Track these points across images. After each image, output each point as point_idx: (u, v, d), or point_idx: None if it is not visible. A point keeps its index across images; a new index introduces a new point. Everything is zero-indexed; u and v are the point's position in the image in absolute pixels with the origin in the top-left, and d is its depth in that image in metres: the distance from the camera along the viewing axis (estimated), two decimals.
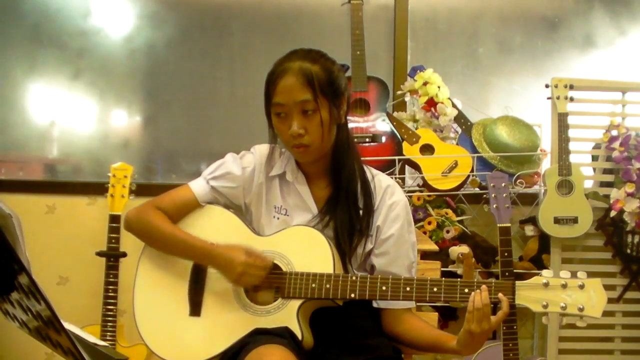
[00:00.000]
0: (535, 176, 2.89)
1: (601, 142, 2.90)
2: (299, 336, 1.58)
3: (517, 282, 1.54)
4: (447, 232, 2.76)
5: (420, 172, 2.78)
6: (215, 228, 1.75)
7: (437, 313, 1.91)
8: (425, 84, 2.84)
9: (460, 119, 2.90)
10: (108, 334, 2.67)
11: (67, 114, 3.17)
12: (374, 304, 1.72)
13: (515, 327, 2.47)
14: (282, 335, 1.55)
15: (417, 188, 2.86)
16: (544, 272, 1.54)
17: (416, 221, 2.72)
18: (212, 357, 1.64)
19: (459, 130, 2.93)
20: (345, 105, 1.71)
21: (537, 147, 2.87)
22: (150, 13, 3.22)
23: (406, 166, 2.89)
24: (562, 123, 2.78)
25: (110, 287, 2.69)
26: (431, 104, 2.84)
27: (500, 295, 1.52)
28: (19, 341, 2.83)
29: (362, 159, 1.78)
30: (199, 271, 1.73)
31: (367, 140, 2.77)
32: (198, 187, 1.77)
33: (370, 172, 1.77)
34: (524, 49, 3.29)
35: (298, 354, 1.51)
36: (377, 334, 1.72)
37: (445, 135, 2.89)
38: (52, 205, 3.01)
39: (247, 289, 1.68)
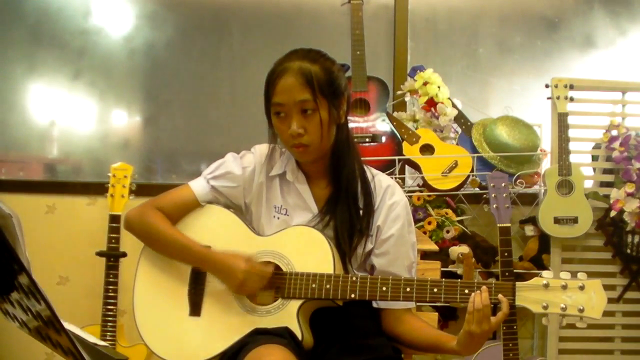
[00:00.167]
0: (535, 176, 2.89)
1: (601, 142, 2.90)
2: (299, 336, 1.58)
3: (517, 283, 1.54)
4: (447, 232, 2.76)
5: (420, 172, 2.78)
6: (215, 228, 1.75)
7: (437, 313, 1.91)
8: (425, 84, 2.84)
9: (460, 119, 2.90)
10: (108, 334, 2.67)
11: (67, 114, 3.17)
12: (374, 304, 1.72)
13: (515, 327, 2.47)
14: (282, 336, 1.55)
15: (417, 188, 2.86)
16: (544, 273, 1.54)
17: (416, 221, 2.72)
18: (212, 357, 1.64)
19: (459, 130, 2.93)
20: (345, 105, 1.71)
21: (537, 147, 2.87)
22: (150, 13, 3.22)
23: (406, 166, 2.89)
24: (562, 123, 2.78)
25: (110, 287, 2.69)
26: (431, 104, 2.84)
27: (500, 296, 1.52)
28: (19, 341, 2.83)
29: (362, 159, 1.78)
30: (199, 271, 1.72)
31: (367, 140, 2.77)
32: (198, 186, 1.77)
33: (371, 172, 1.77)
34: (524, 49, 3.29)
35: (298, 354, 1.51)
36: (377, 334, 1.72)
37: (445, 135, 2.89)
38: (52, 205, 3.01)
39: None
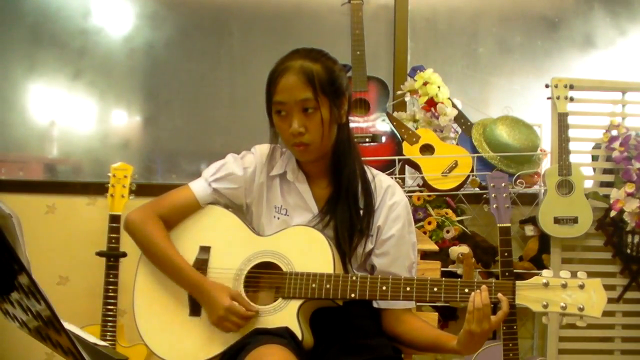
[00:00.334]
0: (535, 176, 2.89)
1: (601, 142, 2.90)
2: (299, 336, 1.58)
3: (517, 282, 1.54)
4: (447, 232, 2.76)
5: (420, 172, 2.78)
6: (215, 228, 1.75)
7: (437, 313, 1.91)
8: (425, 84, 2.84)
9: (460, 119, 2.90)
10: (108, 334, 2.67)
11: (67, 114, 3.17)
12: (374, 304, 1.72)
13: (515, 327, 2.47)
14: (282, 335, 1.55)
15: (417, 188, 2.86)
16: (544, 272, 1.54)
17: (416, 221, 2.72)
18: (212, 357, 1.64)
19: (459, 130, 2.93)
20: (346, 104, 1.71)
21: (537, 147, 2.87)
22: (150, 13, 3.22)
23: (406, 166, 2.89)
24: (562, 123, 2.78)
25: (110, 287, 2.69)
26: (431, 104, 2.84)
27: (500, 295, 1.52)
28: (19, 341, 2.84)
29: (363, 159, 1.78)
30: (199, 271, 1.72)
31: (367, 140, 2.77)
32: (199, 188, 1.77)
33: (371, 172, 1.77)
34: (524, 49, 3.29)
35: (298, 354, 1.51)
36: (377, 334, 1.72)
37: (445, 135, 2.89)
38: (52, 205, 3.01)
39: (247, 289, 1.68)
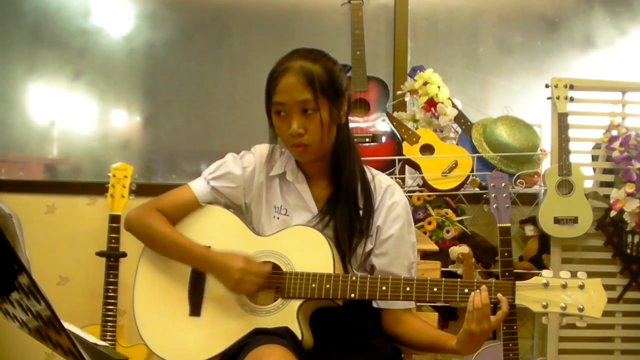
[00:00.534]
0: (535, 176, 2.89)
1: (601, 142, 2.90)
2: (299, 336, 1.58)
3: (517, 282, 1.54)
4: (447, 232, 2.76)
5: (420, 172, 2.78)
6: (215, 228, 1.75)
7: (437, 313, 1.91)
8: (425, 84, 2.84)
9: (460, 119, 2.90)
10: (108, 334, 2.67)
11: (67, 114, 3.17)
12: (374, 304, 1.72)
13: (515, 327, 2.47)
14: (282, 336, 1.55)
15: (417, 188, 2.86)
16: (544, 272, 1.54)
17: (416, 221, 2.72)
18: (212, 357, 1.64)
19: (459, 130, 2.93)
20: (345, 105, 1.71)
21: (537, 147, 2.87)
22: (150, 13, 3.22)
23: (406, 166, 2.89)
24: (562, 123, 2.78)
25: (110, 287, 2.69)
26: (431, 104, 2.84)
27: (499, 295, 1.52)
28: (19, 341, 2.83)
29: (362, 159, 1.78)
30: (199, 271, 1.72)
31: (367, 140, 2.77)
32: (198, 187, 1.77)
33: (371, 172, 1.77)
34: (524, 49, 3.29)
35: (298, 354, 1.51)
36: (377, 334, 1.72)
37: (445, 135, 2.89)
38: (52, 205, 3.01)
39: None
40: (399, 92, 3.01)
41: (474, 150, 2.85)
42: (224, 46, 3.24)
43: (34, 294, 1.04)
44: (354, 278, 1.61)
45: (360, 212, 1.71)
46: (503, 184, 2.43)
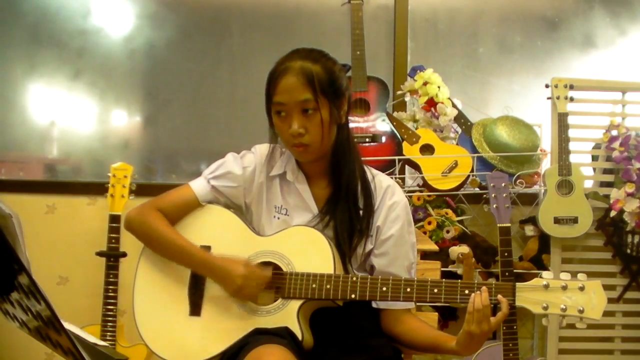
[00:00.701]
0: (535, 176, 2.89)
1: (601, 142, 2.90)
2: (299, 336, 1.58)
3: (517, 284, 1.54)
4: (447, 232, 2.76)
5: (420, 172, 2.78)
6: (215, 228, 1.75)
7: (437, 313, 1.91)
8: (425, 84, 2.84)
9: (460, 119, 2.90)
10: (108, 334, 2.67)
11: (67, 114, 3.17)
12: (373, 305, 1.72)
13: (515, 327, 2.47)
14: (282, 336, 1.55)
15: (417, 188, 2.86)
16: (544, 273, 1.54)
17: (416, 221, 2.72)
18: (212, 357, 1.64)
19: (459, 130, 2.93)
20: (346, 105, 1.71)
21: (537, 147, 2.86)
22: (150, 13, 3.22)
23: (406, 166, 2.89)
24: (562, 123, 2.78)
25: (110, 287, 2.69)
26: (431, 104, 2.84)
27: (499, 296, 1.53)
28: (19, 341, 2.83)
29: (362, 159, 1.78)
30: None
31: (367, 140, 2.77)
32: (198, 186, 1.77)
33: (371, 172, 1.77)
34: (524, 49, 3.29)
35: (298, 354, 1.51)
36: (377, 334, 1.72)
37: (445, 135, 2.89)
38: (52, 205, 3.01)
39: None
40: (399, 92, 3.01)
41: (474, 150, 2.85)
42: (224, 46, 3.24)
43: (34, 294, 1.04)
44: (354, 279, 1.61)
45: (361, 212, 1.71)
46: (503, 184, 2.42)
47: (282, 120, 1.66)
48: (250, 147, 1.82)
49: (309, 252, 1.65)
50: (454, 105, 2.86)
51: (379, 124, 2.82)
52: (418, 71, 2.88)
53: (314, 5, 3.24)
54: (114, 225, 2.72)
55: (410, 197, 2.77)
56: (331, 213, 1.70)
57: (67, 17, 3.17)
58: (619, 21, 3.31)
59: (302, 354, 1.54)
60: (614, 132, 2.87)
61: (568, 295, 1.51)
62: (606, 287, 1.53)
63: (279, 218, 1.74)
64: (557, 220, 2.75)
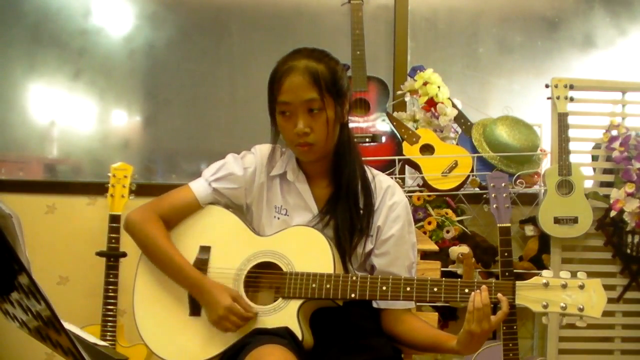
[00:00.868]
0: (535, 176, 2.89)
1: (601, 142, 2.90)
2: (299, 336, 1.58)
3: (517, 282, 1.54)
4: (447, 232, 2.76)
5: (420, 172, 2.78)
6: (215, 228, 1.75)
7: (437, 313, 1.91)
8: (425, 84, 2.84)
9: (460, 119, 2.90)
10: (108, 334, 2.67)
11: (67, 114, 3.17)
12: (374, 304, 1.72)
13: (515, 327, 2.47)
14: (282, 335, 1.55)
15: (417, 188, 2.86)
16: (544, 272, 1.54)
17: (416, 221, 2.72)
18: (212, 357, 1.64)
19: (459, 130, 2.93)
20: (347, 104, 1.72)
21: (537, 147, 2.87)
22: (150, 13, 3.22)
23: (406, 166, 2.89)
24: (562, 123, 2.78)
25: (110, 287, 2.69)
26: (431, 104, 2.84)
27: (499, 295, 1.52)
28: (19, 341, 2.83)
29: (363, 159, 1.78)
30: (199, 271, 1.72)
31: (367, 140, 2.77)
32: (199, 188, 1.77)
33: (371, 172, 1.77)
34: (524, 49, 3.29)
35: (298, 354, 1.51)
36: (377, 334, 1.72)
37: (445, 135, 2.89)
38: (52, 205, 3.01)
39: (247, 289, 1.68)
40: (399, 92, 3.01)
41: (474, 150, 2.85)
42: (224, 46, 3.24)
43: (34, 294, 1.04)
44: (354, 278, 1.61)
45: (361, 211, 1.71)
46: (503, 184, 2.42)
47: (286, 120, 1.65)
48: (250, 147, 1.82)
49: (309, 252, 1.65)
50: (454, 105, 2.86)
51: (379, 124, 2.82)
52: (418, 71, 2.88)
53: (314, 5, 3.24)
54: (114, 225, 2.72)
55: (410, 197, 2.77)
56: (331, 213, 1.70)
57: (68, 17, 3.17)
58: (619, 21, 3.31)
59: (302, 354, 1.54)
60: (614, 132, 2.87)
61: (568, 293, 1.51)
62: (606, 287, 1.52)
63: (279, 218, 1.74)
64: (557, 220, 2.75)
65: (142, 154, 3.21)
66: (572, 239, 2.81)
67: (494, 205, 2.43)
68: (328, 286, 1.61)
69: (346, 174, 1.71)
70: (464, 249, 2.68)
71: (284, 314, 1.62)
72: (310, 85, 1.62)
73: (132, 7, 3.23)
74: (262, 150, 1.79)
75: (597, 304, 1.50)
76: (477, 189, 2.87)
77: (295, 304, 1.62)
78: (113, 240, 2.70)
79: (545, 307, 1.51)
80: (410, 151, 2.78)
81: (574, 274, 1.53)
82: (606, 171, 2.91)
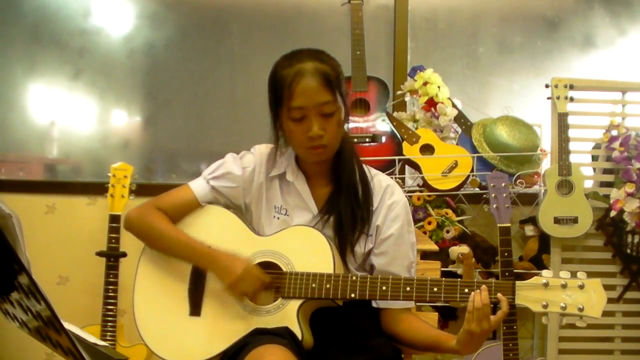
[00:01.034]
0: (535, 176, 2.89)
1: (601, 142, 2.90)
2: (299, 336, 1.58)
3: (517, 282, 1.54)
4: (447, 232, 2.76)
5: (420, 172, 2.78)
6: (215, 228, 1.75)
7: (437, 313, 1.91)
8: (425, 84, 2.84)
9: (460, 119, 2.90)
10: (108, 334, 2.67)
11: (67, 114, 3.17)
12: (373, 304, 1.72)
13: (515, 327, 2.47)
14: (282, 335, 1.55)
15: (417, 188, 2.86)
16: (544, 272, 1.54)
17: (416, 221, 2.72)
18: (212, 357, 1.64)
19: (459, 130, 2.93)
20: (348, 104, 1.72)
21: (537, 147, 2.87)
22: (150, 13, 3.22)
23: (406, 166, 2.89)
24: (562, 123, 2.78)
25: (110, 287, 2.69)
26: (431, 104, 2.84)
27: (499, 295, 1.53)
28: (19, 341, 2.83)
29: (362, 159, 1.78)
30: (199, 271, 1.72)
31: (367, 140, 2.77)
32: (198, 187, 1.77)
33: (370, 172, 1.77)
34: (524, 49, 3.29)
35: (298, 354, 1.51)
36: (377, 334, 1.72)
37: (445, 135, 2.89)
38: (52, 205, 3.01)
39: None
40: (399, 92, 3.01)
41: (474, 150, 2.85)
42: (224, 46, 3.24)
43: (34, 294, 1.04)
44: (354, 278, 1.61)
45: (360, 211, 1.71)
46: (503, 184, 2.42)
47: (298, 124, 1.64)
48: (250, 147, 1.82)
49: (309, 251, 1.65)
50: (454, 105, 2.86)
51: (379, 124, 2.82)
52: (418, 71, 2.88)
53: (314, 5, 3.24)
54: (114, 225, 2.72)
55: (410, 197, 2.77)
56: (331, 213, 1.70)
57: (67, 17, 3.17)
58: (619, 21, 3.30)
59: (302, 354, 1.54)
60: (614, 132, 2.87)
61: (568, 293, 1.51)
62: (606, 287, 1.53)
63: (278, 218, 1.75)
64: (557, 220, 2.75)
65: (142, 154, 3.21)
66: (572, 239, 2.81)
67: (494, 205, 2.43)
68: (328, 286, 1.61)
69: (346, 172, 1.71)
70: (464, 249, 2.68)
71: (284, 314, 1.62)
72: (323, 88, 1.61)
73: (132, 7, 3.23)
74: (262, 150, 1.79)
75: (597, 304, 1.50)
76: (477, 189, 2.87)
77: (295, 304, 1.62)
78: (113, 240, 2.70)
79: (545, 307, 1.51)
80: (410, 151, 2.78)
81: (573, 274, 1.53)
82: (606, 171, 2.91)
